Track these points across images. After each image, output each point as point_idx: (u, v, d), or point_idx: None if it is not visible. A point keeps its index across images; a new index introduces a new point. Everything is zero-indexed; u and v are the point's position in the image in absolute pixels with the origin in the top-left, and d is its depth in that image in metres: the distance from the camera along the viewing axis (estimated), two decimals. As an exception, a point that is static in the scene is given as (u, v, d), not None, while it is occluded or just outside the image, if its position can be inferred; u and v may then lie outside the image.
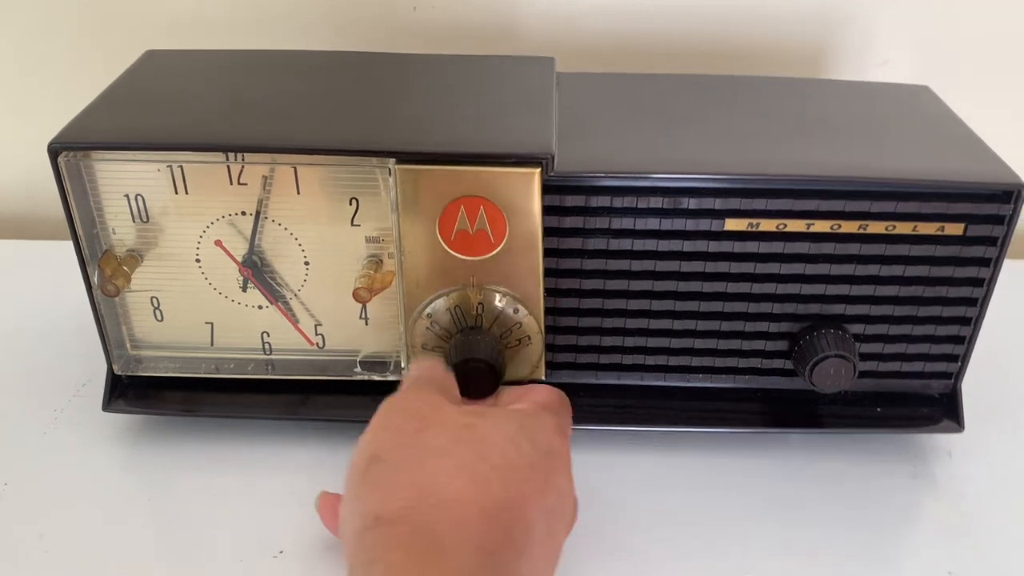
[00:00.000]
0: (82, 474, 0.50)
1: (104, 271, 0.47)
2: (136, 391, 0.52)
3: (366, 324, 0.50)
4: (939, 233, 0.45)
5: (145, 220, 0.47)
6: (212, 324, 0.50)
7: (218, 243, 0.47)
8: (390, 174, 0.44)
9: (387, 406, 0.39)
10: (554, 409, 0.42)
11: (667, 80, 0.55)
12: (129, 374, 0.51)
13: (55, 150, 0.44)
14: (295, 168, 0.45)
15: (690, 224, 0.45)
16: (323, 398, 0.52)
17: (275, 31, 0.69)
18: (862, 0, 0.67)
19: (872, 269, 0.47)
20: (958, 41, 0.68)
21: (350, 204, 0.46)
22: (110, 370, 0.51)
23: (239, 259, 0.48)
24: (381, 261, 0.48)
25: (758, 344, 0.49)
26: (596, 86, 0.54)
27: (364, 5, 0.68)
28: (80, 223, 0.46)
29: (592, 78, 0.55)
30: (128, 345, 0.51)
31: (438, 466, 0.35)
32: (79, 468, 0.50)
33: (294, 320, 0.50)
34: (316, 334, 0.51)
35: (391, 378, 0.51)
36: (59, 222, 0.76)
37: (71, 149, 0.44)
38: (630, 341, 0.49)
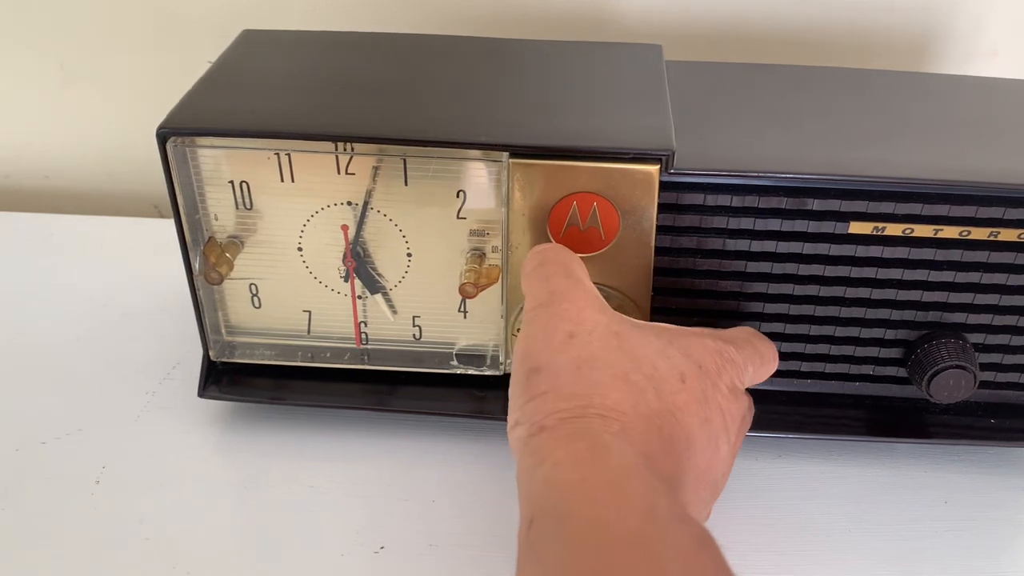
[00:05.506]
0: (176, 459, 0.49)
1: (208, 258, 0.46)
2: (229, 377, 0.51)
3: (464, 317, 0.49)
4: (1075, 242, 0.43)
5: (248, 207, 0.46)
6: (310, 312, 0.50)
7: (344, 228, 0.46)
8: (503, 167, 0.43)
9: (532, 309, 0.39)
10: (724, 337, 0.41)
11: (778, 71, 0.53)
12: (224, 360, 0.51)
13: (163, 135, 0.43)
14: (404, 159, 0.44)
15: (812, 226, 0.43)
16: (413, 389, 0.51)
17: (360, 7, 0.67)
18: (970, -13, 0.64)
19: (999, 278, 0.44)
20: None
21: (457, 196, 0.45)
22: (206, 356, 0.51)
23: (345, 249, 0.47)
24: (484, 254, 0.47)
25: (872, 351, 0.47)
26: (705, 76, 0.52)
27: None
28: (184, 209, 0.45)
29: (699, 67, 0.53)
30: (223, 331, 0.51)
31: (594, 376, 0.35)
32: (173, 453, 0.50)
33: (356, 316, 0.49)
34: (413, 325, 0.50)
35: (487, 372, 0.50)
36: (138, 199, 0.76)
37: (180, 134, 0.44)
38: (738, 343, 0.48)
